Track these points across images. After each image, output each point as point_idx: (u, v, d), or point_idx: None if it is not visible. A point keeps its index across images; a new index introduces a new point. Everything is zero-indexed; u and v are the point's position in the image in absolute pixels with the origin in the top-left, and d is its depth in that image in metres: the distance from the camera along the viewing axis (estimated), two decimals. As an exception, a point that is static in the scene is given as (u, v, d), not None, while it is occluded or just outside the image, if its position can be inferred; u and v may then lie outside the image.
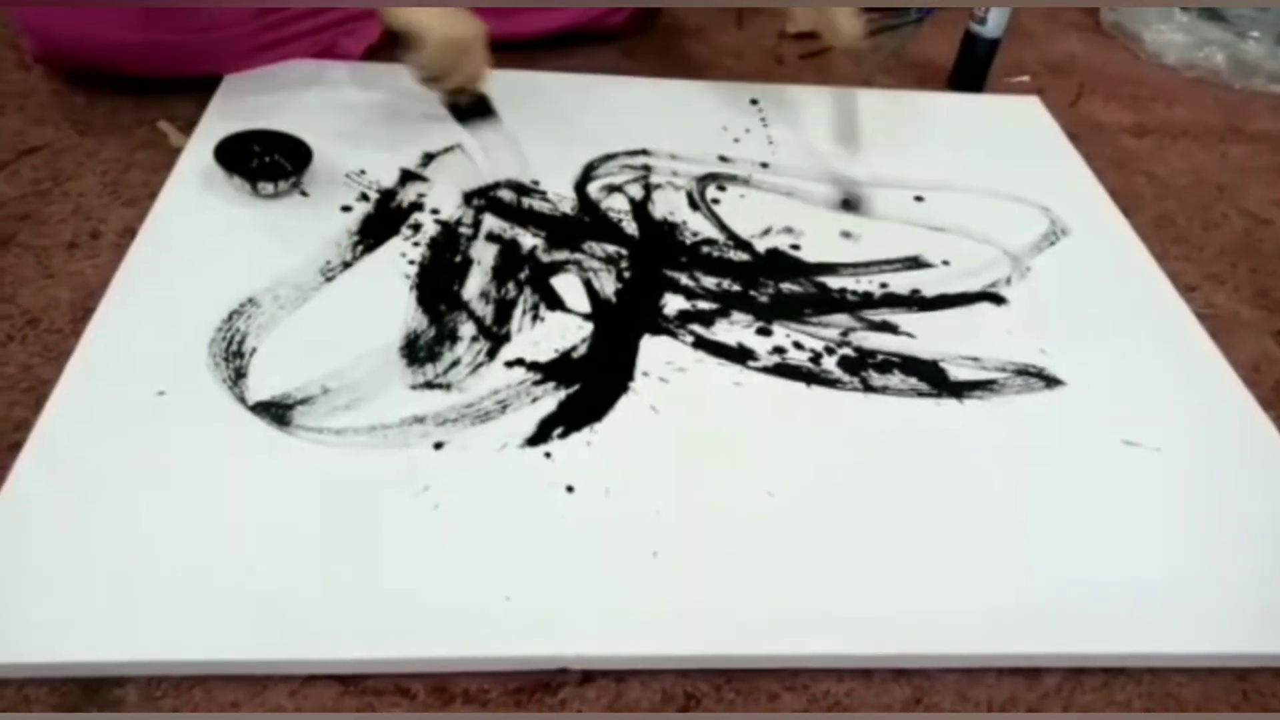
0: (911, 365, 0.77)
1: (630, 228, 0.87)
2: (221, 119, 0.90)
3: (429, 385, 0.70)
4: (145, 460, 0.63)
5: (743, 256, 0.85)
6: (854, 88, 0.94)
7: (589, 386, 0.72)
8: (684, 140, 0.97)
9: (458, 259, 0.81)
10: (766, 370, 0.75)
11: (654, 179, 0.92)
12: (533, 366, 0.73)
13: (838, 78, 1.01)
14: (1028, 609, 0.62)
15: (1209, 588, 0.64)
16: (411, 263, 0.80)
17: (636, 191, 0.91)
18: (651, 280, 0.82)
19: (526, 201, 0.88)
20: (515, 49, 1.08)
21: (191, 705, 0.54)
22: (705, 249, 0.85)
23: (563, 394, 0.71)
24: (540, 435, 0.68)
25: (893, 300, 0.83)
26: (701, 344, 0.77)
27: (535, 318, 0.77)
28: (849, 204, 0.90)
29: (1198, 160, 1.09)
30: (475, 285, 0.79)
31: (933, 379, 0.76)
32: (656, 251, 0.85)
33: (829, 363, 0.76)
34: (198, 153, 0.86)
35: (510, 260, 0.81)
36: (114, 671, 0.55)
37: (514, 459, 0.66)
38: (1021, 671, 0.60)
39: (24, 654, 0.54)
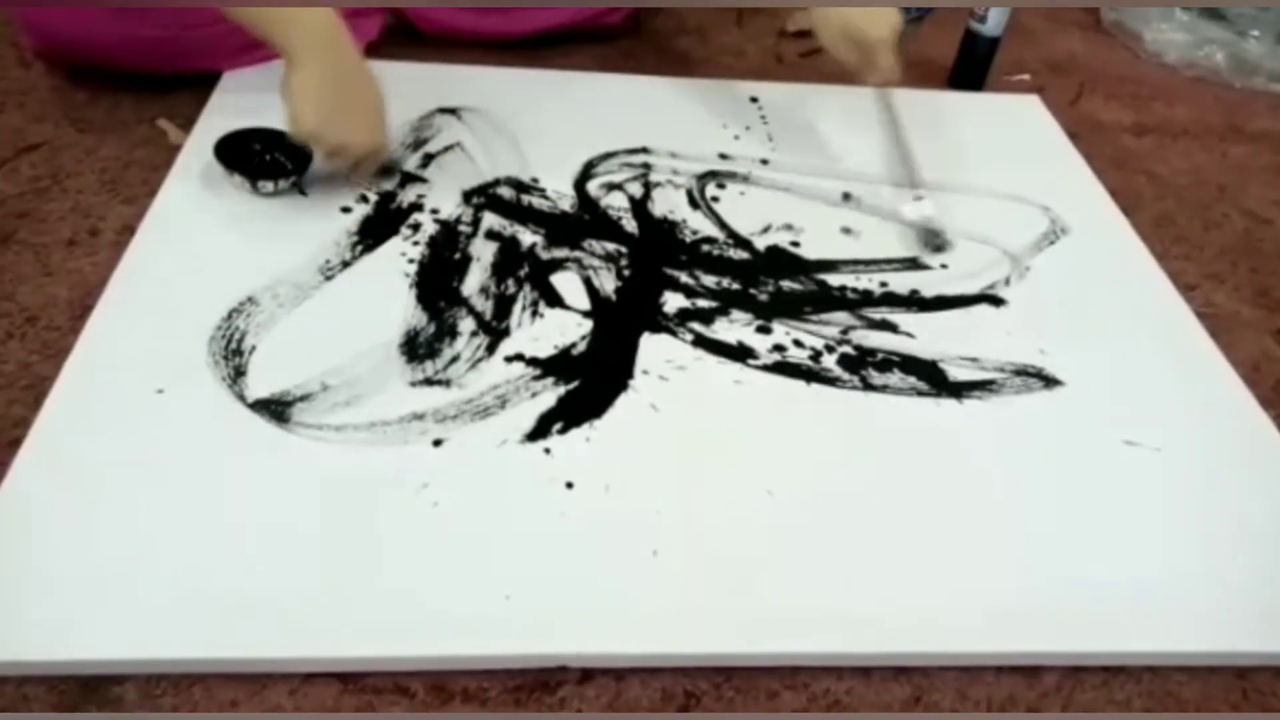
0: (911, 365, 0.77)
1: (630, 226, 0.87)
2: (221, 117, 0.90)
3: (428, 382, 0.70)
4: (145, 458, 0.63)
5: (742, 254, 0.85)
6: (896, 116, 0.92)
7: (589, 383, 0.72)
8: (684, 138, 0.97)
9: (457, 256, 0.81)
10: (766, 368, 0.75)
11: (654, 177, 0.92)
12: (532, 362, 0.73)
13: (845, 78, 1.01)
14: (1027, 608, 0.62)
15: (1209, 586, 0.64)
16: (411, 261, 0.80)
17: (636, 189, 0.91)
18: (651, 278, 0.82)
19: (526, 199, 0.87)
20: (515, 47, 1.08)
21: (191, 704, 0.54)
22: (705, 247, 0.85)
23: (562, 389, 0.71)
24: (540, 430, 0.68)
25: (892, 299, 0.82)
26: (701, 342, 0.77)
27: (535, 314, 0.77)
28: (934, 246, 0.88)
29: (1198, 159, 1.09)
30: (475, 282, 0.79)
31: (932, 379, 0.76)
32: (656, 249, 0.85)
33: (829, 361, 0.76)
34: (197, 151, 0.86)
35: (510, 257, 0.81)
36: (113, 670, 0.55)
37: (513, 455, 0.66)
38: (1021, 670, 0.60)
39: (22, 652, 0.54)
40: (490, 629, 0.57)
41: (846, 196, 0.93)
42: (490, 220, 0.85)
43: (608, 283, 0.81)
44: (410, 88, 0.95)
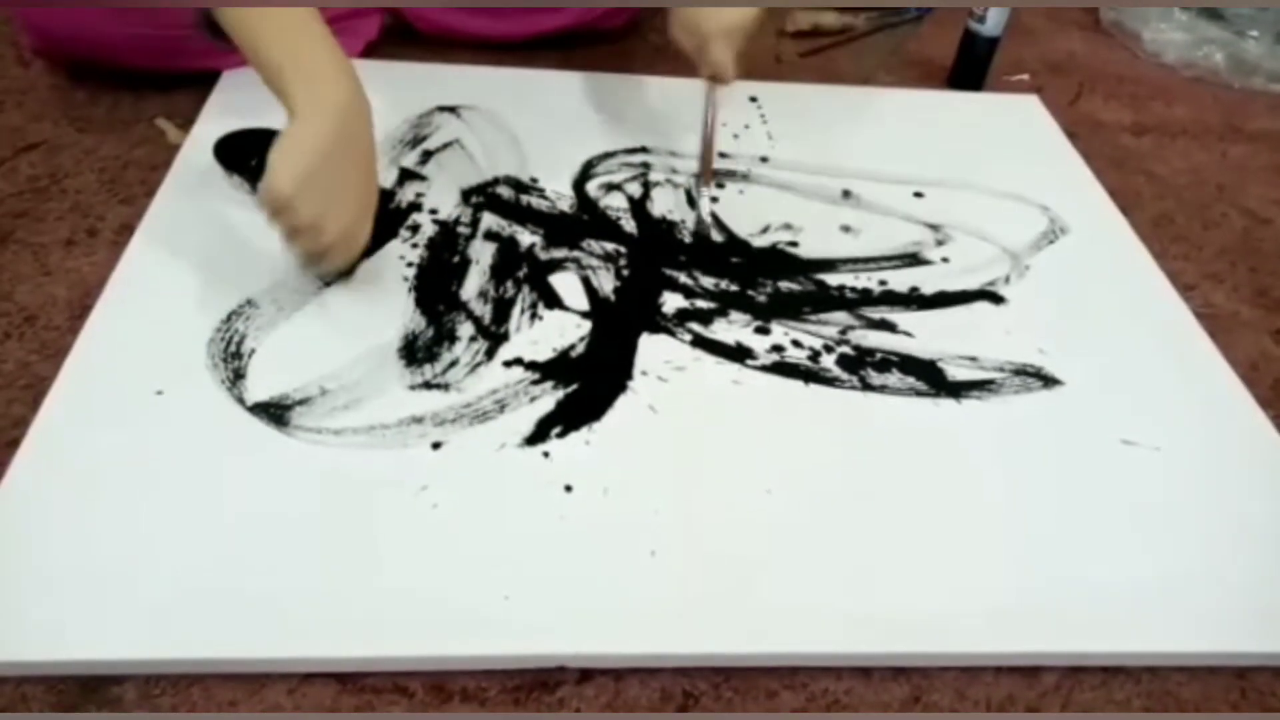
0: (910, 365, 0.77)
1: (629, 226, 0.87)
2: (220, 116, 0.90)
3: (427, 385, 0.70)
4: (144, 459, 0.63)
5: (741, 255, 0.85)
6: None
7: (587, 386, 0.72)
8: (683, 138, 0.97)
9: (456, 259, 0.81)
10: (765, 369, 0.75)
11: (653, 177, 0.92)
12: (531, 366, 0.73)
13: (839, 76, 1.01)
14: (1027, 608, 0.62)
15: (1208, 586, 0.64)
16: (410, 264, 0.79)
17: (635, 189, 0.91)
18: (650, 278, 0.82)
19: (525, 199, 0.87)
20: (514, 48, 1.08)
21: (190, 704, 0.54)
22: (703, 247, 0.85)
23: (561, 393, 0.71)
24: (538, 435, 0.68)
25: (891, 298, 0.83)
26: (700, 342, 0.77)
27: (534, 316, 0.77)
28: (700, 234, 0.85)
29: (1197, 159, 1.09)
30: (473, 285, 0.79)
31: (931, 379, 0.76)
32: (655, 249, 0.85)
33: (827, 361, 0.76)
34: (196, 151, 0.86)
35: (509, 258, 0.81)
36: (112, 670, 0.55)
37: (512, 459, 0.66)
38: (1020, 670, 0.60)
39: (21, 652, 0.54)
40: (489, 629, 0.57)
41: (846, 194, 0.93)
42: (489, 220, 0.85)
43: (606, 283, 0.81)
44: (409, 86, 0.95)
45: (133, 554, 0.58)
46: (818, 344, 0.78)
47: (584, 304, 0.78)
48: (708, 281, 0.82)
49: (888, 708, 0.58)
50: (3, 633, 0.55)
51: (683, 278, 0.82)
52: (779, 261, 0.85)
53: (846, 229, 0.89)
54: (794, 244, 0.87)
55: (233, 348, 0.71)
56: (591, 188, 0.90)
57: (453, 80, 1.00)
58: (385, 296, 0.76)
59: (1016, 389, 0.76)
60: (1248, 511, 0.69)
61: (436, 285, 0.78)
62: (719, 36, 0.84)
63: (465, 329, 0.75)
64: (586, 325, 0.77)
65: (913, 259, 0.87)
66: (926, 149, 1.00)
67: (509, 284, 0.79)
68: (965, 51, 1.13)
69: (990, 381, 0.76)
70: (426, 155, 0.90)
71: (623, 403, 0.71)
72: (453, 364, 0.72)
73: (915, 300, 0.83)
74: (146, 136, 0.90)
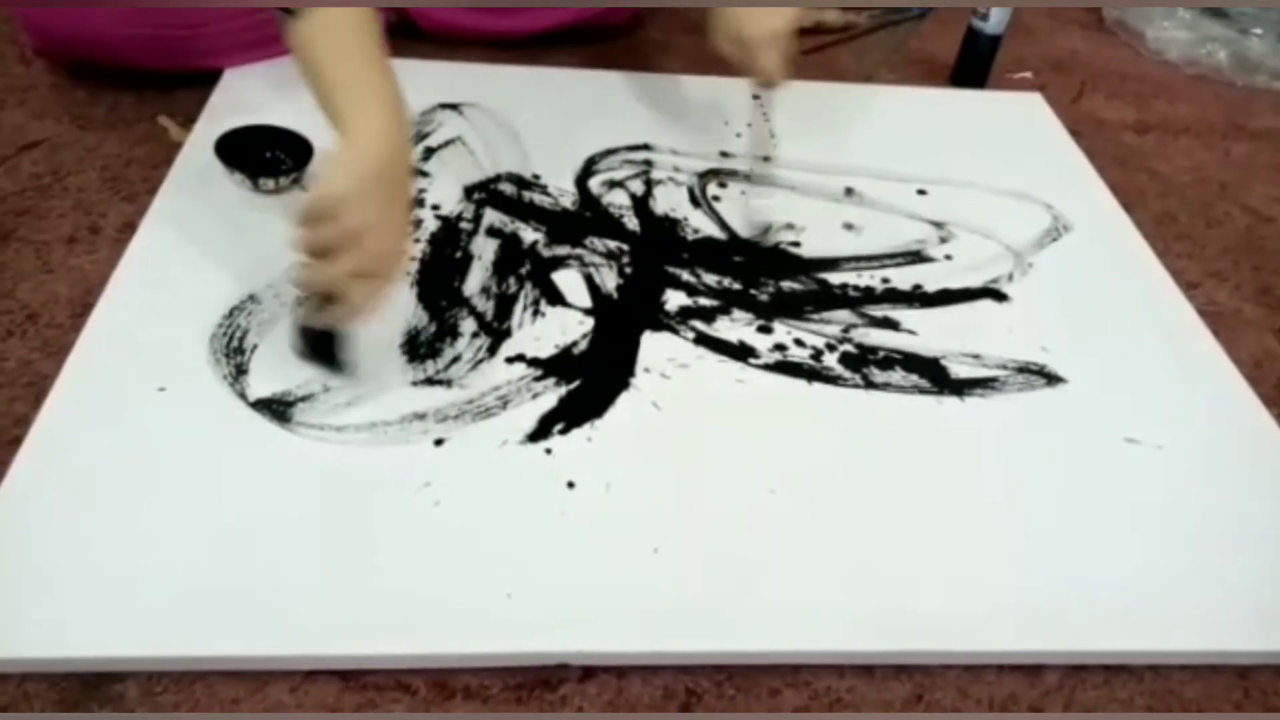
0: (913, 362, 0.77)
1: (631, 223, 0.87)
2: (222, 114, 0.89)
3: (430, 382, 0.70)
4: (146, 456, 0.63)
5: (743, 254, 0.85)
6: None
7: (590, 383, 0.72)
8: (686, 135, 0.97)
9: (458, 254, 0.81)
10: (768, 367, 0.75)
11: (655, 174, 0.92)
12: (533, 363, 0.73)
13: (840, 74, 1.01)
14: (1029, 606, 0.62)
15: (1210, 585, 0.64)
16: (412, 259, 0.79)
17: (638, 187, 0.91)
18: (653, 276, 0.81)
19: (527, 195, 0.87)
20: (516, 45, 1.08)
21: (192, 701, 0.54)
22: (707, 245, 0.85)
23: (563, 390, 0.71)
24: (541, 431, 0.68)
25: (894, 296, 0.82)
26: (702, 340, 0.76)
27: (536, 313, 0.77)
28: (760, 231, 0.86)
29: (1200, 157, 1.09)
30: (476, 281, 0.79)
31: (934, 377, 0.76)
32: (658, 247, 0.84)
33: (830, 359, 0.76)
34: (198, 148, 0.86)
35: (511, 255, 0.81)
36: (114, 667, 0.55)
37: (515, 455, 0.66)
38: (1023, 669, 0.60)
39: (24, 649, 0.54)
40: (492, 627, 0.57)
41: (849, 192, 0.93)
42: (491, 217, 0.85)
43: (609, 280, 0.80)
44: (411, 83, 0.94)
45: (135, 551, 0.58)
46: (820, 342, 0.77)
47: (586, 301, 0.78)
48: (710, 279, 0.82)
49: (890, 706, 0.58)
50: (5, 630, 0.55)
51: (685, 275, 0.82)
52: (781, 260, 0.85)
53: (849, 227, 0.89)
54: (796, 243, 0.87)
55: (234, 343, 0.70)
56: (594, 185, 0.90)
57: (455, 77, 1.00)
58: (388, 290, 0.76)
59: (1020, 387, 0.76)
60: (1251, 510, 0.69)
61: (439, 281, 0.78)
62: (765, 43, 0.84)
63: (467, 325, 0.75)
64: (589, 322, 0.76)
65: (916, 257, 0.87)
66: (929, 147, 1.00)
67: (511, 280, 0.79)
68: (968, 49, 1.13)
69: (993, 379, 0.76)
70: (429, 152, 0.90)
71: (625, 400, 0.71)
72: (455, 360, 0.72)
73: (918, 298, 0.83)
74: (148, 134, 0.90)
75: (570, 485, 0.65)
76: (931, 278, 0.85)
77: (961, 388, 0.75)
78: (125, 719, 0.53)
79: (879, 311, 0.81)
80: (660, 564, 0.61)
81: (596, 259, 0.82)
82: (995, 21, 1.10)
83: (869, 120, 1.04)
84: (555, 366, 0.72)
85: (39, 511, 0.60)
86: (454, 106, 0.96)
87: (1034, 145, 1.05)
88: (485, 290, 0.78)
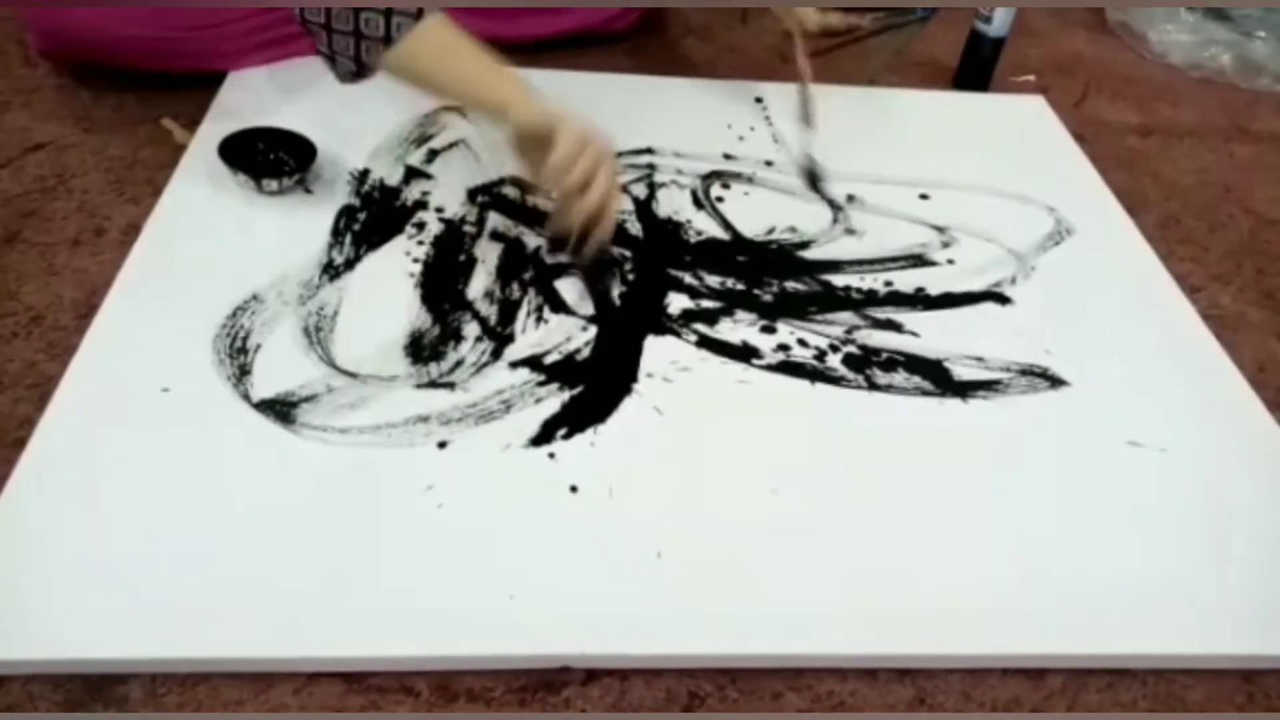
0: (916, 364, 0.77)
1: (634, 227, 0.87)
2: (226, 116, 0.90)
3: (433, 385, 0.70)
4: (150, 457, 0.63)
5: (746, 255, 0.85)
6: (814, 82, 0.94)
7: (593, 387, 0.72)
8: (688, 138, 0.97)
9: (462, 257, 0.81)
10: (771, 368, 0.75)
11: (658, 177, 0.92)
12: (537, 367, 0.73)
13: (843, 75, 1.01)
14: (1032, 609, 0.62)
15: (1214, 589, 0.64)
16: (416, 261, 0.80)
17: (641, 190, 0.91)
18: (655, 279, 0.82)
19: (531, 200, 0.87)
20: (521, 49, 1.07)
21: (195, 703, 0.54)
22: (710, 246, 0.85)
23: (566, 395, 0.71)
24: (544, 436, 0.68)
25: (897, 298, 0.82)
26: (705, 343, 0.76)
27: (539, 319, 0.77)
28: (812, 178, 0.90)
29: (1203, 160, 1.09)
30: (479, 285, 0.79)
31: (937, 379, 0.76)
32: (660, 250, 0.84)
33: (833, 361, 0.76)
34: (202, 150, 0.86)
35: (514, 260, 0.81)
36: (118, 669, 0.55)
37: (518, 459, 0.66)
38: (1026, 672, 0.60)
39: (28, 651, 0.54)
40: (495, 629, 0.57)
41: (851, 198, 0.93)
42: (495, 221, 0.85)
43: (612, 285, 0.80)
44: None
45: (139, 552, 0.58)
46: (824, 343, 0.77)
47: (589, 306, 0.78)
48: (713, 281, 0.82)
49: (893, 709, 0.58)
50: (9, 631, 0.55)
51: (688, 278, 0.82)
52: (784, 261, 0.85)
53: (851, 231, 0.89)
54: (800, 245, 0.87)
55: (238, 344, 0.71)
56: (597, 188, 0.90)
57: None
58: (391, 293, 0.76)
59: (1023, 389, 0.76)
60: (1254, 513, 0.69)
61: (443, 283, 0.78)
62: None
63: (471, 328, 0.75)
64: (592, 328, 0.76)
65: (918, 260, 0.87)
66: (932, 150, 1.00)
67: (515, 285, 0.79)
68: (971, 52, 1.13)
69: (996, 382, 0.76)
70: (432, 154, 0.91)
71: (628, 404, 0.71)
72: (458, 364, 0.72)
73: (921, 300, 0.83)
74: (153, 136, 0.91)
75: (573, 489, 0.65)
76: (935, 281, 0.85)
77: (964, 390, 0.75)
78: (129, 719, 0.53)
79: (882, 314, 0.81)
80: (663, 567, 0.61)
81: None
82: (998, 24, 1.10)
83: (872, 123, 1.04)
84: (559, 371, 0.72)
85: (43, 513, 0.60)
86: (458, 108, 0.96)
87: (1037, 148, 1.05)
88: (489, 294, 0.78)
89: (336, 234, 0.81)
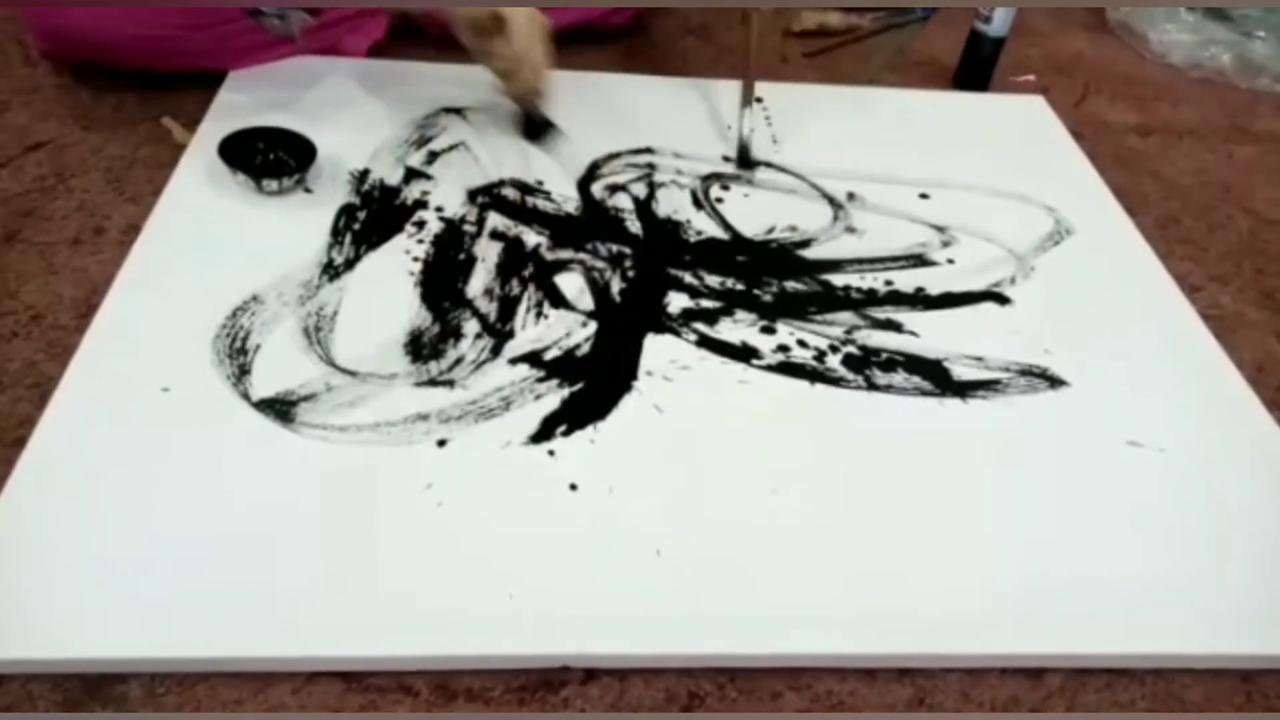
0: (915, 364, 0.77)
1: (634, 226, 0.87)
2: (226, 116, 0.90)
3: (433, 383, 0.70)
4: (149, 456, 0.63)
5: (746, 255, 0.85)
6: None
7: (592, 385, 0.72)
8: (688, 138, 0.97)
9: (461, 256, 0.81)
10: (770, 368, 0.75)
11: (658, 177, 0.92)
12: (536, 364, 0.73)
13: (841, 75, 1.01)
14: (1031, 609, 0.62)
15: (1213, 589, 0.64)
16: (415, 259, 0.80)
17: (640, 190, 0.91)
18: (655, 279, 0.82)
19: (531, 200, 0.87)
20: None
21: (194, 702, 0.54)
22: (709, 246, 0.85)
23: (566, 392, 0.71)
24: (544, 433, 0.68)
25: (897, 298, 0.82)
26: (705, 342, 0.77)
27: (539, 315, 0.77)
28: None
29: (1203, 160, 1.09)
30: (479, 283, 0.79)
31: (936, 379, 0.76)
32: (660, 250, 0.84)
33: (833, 361, 0.76)
34: (202, 149, 0.86)
35: (514, 258, 0.81)
36: (117, 668, 0.55)
37: (517, 457, 0.66)
38: (1025, 672, 0.60)
39: (27, 650, 0.54)
40: (494, 629, 0.57)
41: (851, 196, 0.93)
42: (495, 220, 0.85)
43: (612, 283, 0.80)
44: (415, 86, 0.96)
45: (138, 552, 0.58)
46: (823, 344, 0.77)
47: (589, 304, 0.78)
48: (713, 281, 0.82)
49: (892, 709, 0.58)
50: (8, 631, 0.55)
51: (688, 277, 0.82)
52: (784, 261, 0.85)
53: (851, 230, 0.89)
54: (799, 245, 0.87)
55: (238, 343, 0.71)
56: (597, 189, 0.90)
57: (458, 80, 0.99)
58: (391, 292, 0.77)
59: (1022, 389, 0.76)
60: (1253, 513, 0.69)
61: (442, 281, 0.78)
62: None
63: (471, 326, 0.75)
64: (592, 325, 0.76)
65: (918, 260, 0.87)
66: (932, 149, 1.00)
67: (514, 283, 0.79)
68: (971, 52, 1.13)
69: (996, 382, 0.76)
70: (433, 156, 0.91)
71: (628, 402, 0.71)
72: (458, 362, 0.72)
73: (921, 300, 0.83)
74: (153, 136, 0.91)
75: (573, 487, 0.65)
76: (934, 281, 0.85)
77: (964, 390, 0.75)
78: (128, 719, 0.53)
79: (882, 314, 0.81)
80: (662, 566, 0.61)
81: (599, 263, 0.82)
82: (998, 24, 1.10)
83: (872, 123, 1.04)
84: (558, 368, 0.73)
85: (43, 512, 0.60)
86: (458, 111, 0.96)
87: (1036, 148, 1.05)
88: (488, 292, 0.78)
89: (336, 234, 0.81)
